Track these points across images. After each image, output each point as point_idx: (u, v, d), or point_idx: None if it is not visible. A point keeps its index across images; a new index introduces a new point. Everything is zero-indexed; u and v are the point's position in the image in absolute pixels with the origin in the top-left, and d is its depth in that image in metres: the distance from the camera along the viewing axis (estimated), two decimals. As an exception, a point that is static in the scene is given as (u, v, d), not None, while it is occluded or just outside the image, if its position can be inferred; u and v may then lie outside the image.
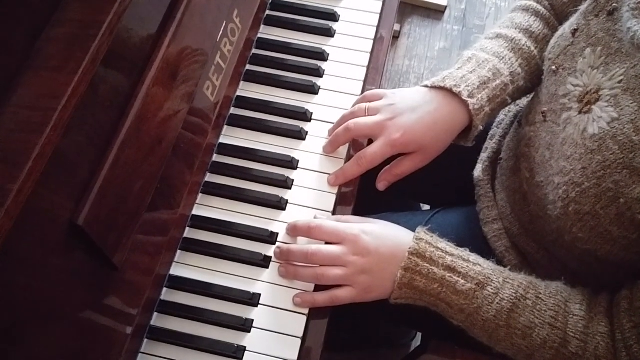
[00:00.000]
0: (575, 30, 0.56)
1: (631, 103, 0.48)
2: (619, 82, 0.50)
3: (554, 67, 0.58)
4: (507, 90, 0.63)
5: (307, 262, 0.58)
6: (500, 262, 0.67)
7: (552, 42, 0.60)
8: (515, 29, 0.66)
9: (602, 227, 0.51)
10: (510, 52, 0.65)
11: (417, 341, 1.14)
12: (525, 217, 0.64)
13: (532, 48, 0.65)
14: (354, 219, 0.62)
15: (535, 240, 0.64)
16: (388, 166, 0.64)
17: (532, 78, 0.66)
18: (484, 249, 0.68)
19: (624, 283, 0.53)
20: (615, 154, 0.48)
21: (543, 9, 0.67)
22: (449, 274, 0.55)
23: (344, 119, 0.65)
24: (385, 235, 0.59)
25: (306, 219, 0.61)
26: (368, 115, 0.63)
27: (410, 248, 0.56)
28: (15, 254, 0.41)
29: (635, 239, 0.49)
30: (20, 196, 0.38)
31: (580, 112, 0.53)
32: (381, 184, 0.64)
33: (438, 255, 0.56)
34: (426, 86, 0.63)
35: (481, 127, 0.63)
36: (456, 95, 0.61)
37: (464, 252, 0.58)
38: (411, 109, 0.61)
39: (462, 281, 0.55)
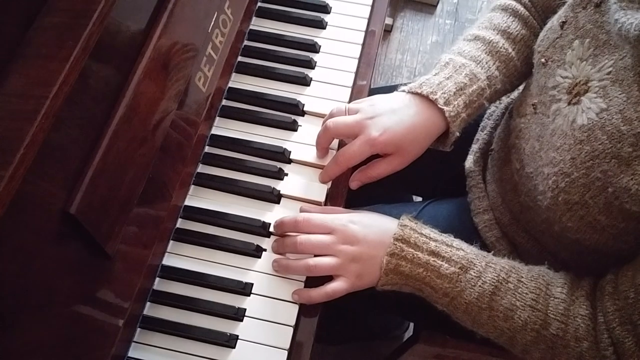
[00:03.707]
0: (564, 23, 0.57)
1: (620, 94, 0.49)
2: (608, 73, 0.50)
3: (543, 60, 0.59)
4: (484, 95, 0.64)
5: (297, 252, 0.58)
6: (490, 252, 0.68)
7: (541, 35, 0.61)
8: (493, 30, 0.67)
9: (591, 216, 0.51)
10: (488, 55, 0.65)
11: (410, 332, 1.15)
12: (516, 207, 0.65)
13: (510, 50, 0.66)
14: (340, 210, 0.62)
15: (526, 230, 0.65)
16: (364, 166, 0.64)
17: (510, 80, 0.67)
18: (474, 240, 0.68)
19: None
20: (603, 144, 0.49)
21: (522, 8, 0.67)
22: (433, 259, 0.56)
23: (325, 122, 0.64)
24: (372, 223, 0.60)
25: (292, 214, 0.61)
26: (348, 115, 0.63)
27: (395, 234, 0.57)
28: (7, 242, 0.41)
29: (623, 227, 0.50)
30: (12, 183, 0.38)
31: (569, 104, 0.54)
32: (354, 183, 0.64)
33: (422, 241, 0.57)
34: (404, 91, 0.63)
35: (458, 133, 0.63)
36: (433, 102, 0.61)
37: (448, 238, 0.59)
38: (391, 110, 0.61)
39: (446, 265, 0.56)
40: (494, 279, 0.55)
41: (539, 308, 0.54)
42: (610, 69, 0.50)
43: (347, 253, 0.57)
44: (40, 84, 0.40)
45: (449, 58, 0.65)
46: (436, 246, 0.57)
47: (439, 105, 0.60)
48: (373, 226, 0.59)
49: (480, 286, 0.55)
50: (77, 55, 0.42)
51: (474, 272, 0.56)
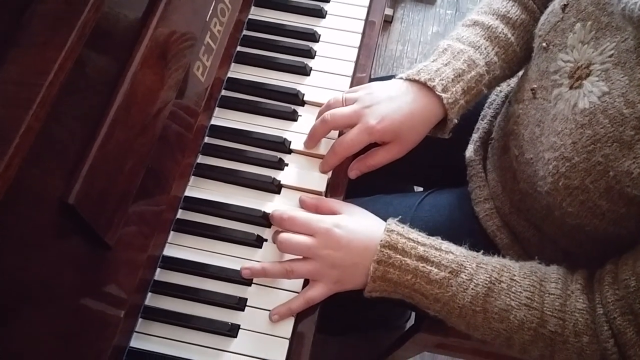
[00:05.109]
0: (565, 6, 0.56)
1: (622, 77, 0.48)
2: (610, 56, 0.50)
3: (544, 44, 0.58)
4: (483, 81, 0.63)
5: (279, 249, 0.58)
6: (491, 241, 0.68)
7: (542, 18, 0.60)
8: (493, 15, 0.66)
9: (591, 201, 0.51)
10: (487, 40, 0.64)
11: (412, 322, 1.15)
12: (516, 195, 0.64)
13: (509, 35, 0.65)
14: (335, 203, 0.61)
15: (526, 219, 0.64)
16: (362, 155, 0.63)
17: (509, 66, 0.66)
18: (475, 229, 0.68)
19: (611, 259, 0.53)
20: (605, 128, 0.48)
21: None
22: (422, 264, 0.55)
23: (321, 112, 0.64)
24: (358, 228, 0.58)
25: (291, 205, 0.61)
26: (345, 105, 0.62)
27: (381, 240, 0.56)
28: (4, 234, 0.41)
29: (624, 212, 0.50)
30: (7, 173, 0.37)
31: (571, 88, 0.53)
32: (352, 173, 0.63)
33: (410, 246, 0.56)
34: (402, 78, 0.63)
35: (456, 120, 0.62)
36: (431, 89, 0.60)
37: (436, 241, 0.57)
38: (389, 98, 0.61)
39: (436, 270, 0.55)
40: (486, 280, 0.54)
41: (535, 306, 0.53)
42: (613, 51, 0.49)
43: (326, 259, 0.56)
44: (35, 72, 0.40)
45: (447, 44, 0.64)
46: (425, 251, 0.56)
47: (436, 92, 0.60)
48: (358, 232, 0.57)
49: (472, 289, 0.54)
50: (73, 43, 0.41)
51: (465, 276, 0.55)
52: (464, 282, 0.54)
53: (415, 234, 0.57)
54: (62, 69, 0.41)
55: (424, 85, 0.61)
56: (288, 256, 0.59)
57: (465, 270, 0.55)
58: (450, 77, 0.61)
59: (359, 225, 0.58)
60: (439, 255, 0.56)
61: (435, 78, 0.60)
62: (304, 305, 0.56)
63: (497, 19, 0.65)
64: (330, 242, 0.56)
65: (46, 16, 0.43)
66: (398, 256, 0.55)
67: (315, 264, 0.56)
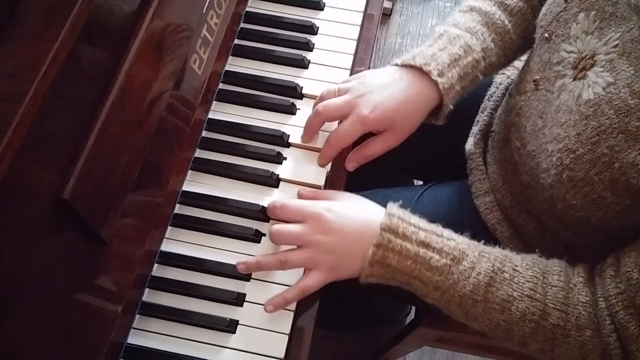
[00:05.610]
0: (568, -5, 0.55)
1: (627, 67, 0.47)
2: (615, 46, 0.49)
3: (546, 35, 0.57)
4: (479, 67, 0.62)
5: (272, 242, 0.57)
6: (492, 235, 0.67)
7: (544, 9, 0.59)
8: (490, 1, 0.65)
9: (596, 193, 0.50)
10: (484, 26, 0.63)
11: (412, 317, 1.15)
12: (517, 187, 0.63)
13: (506, 22, 0.64)
14: (333, 194, 0.60)
15: (527, 211, 0.64)
16: (358, 146, 0.62)
17: (505, 53, 0.65)
18: (475, 223, 0.68)
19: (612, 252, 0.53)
20: (610, 119, 0.48)
21: None
22: (423, 250, 0.53)
23: (316, 104, 0.63)
24: (351, 213, 0.57)
25: (275, 199, 0.60)
26: (338, 96, 0.61)
27: (382, 224, 0.54)
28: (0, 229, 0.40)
29: (628, 204, 0.49)
30: (0, 166, 0.37)
31: (574, 79, 0.52)
32: (350, 165, 0.62)
33: (411, 231, 0.54)
34: (396, 64, 0.62)
35: (451, 107, 0.61)
36: (426, 74, 0.59)
37: (437, 227, 0.56)
38: (382, 86, 0.60)
39: (437, 257, 0.53)
40: (489, 269, 0.53)
41: (538, 298, 0.51)
42: (617, 41, 0.48)
43: (318, 244, 0.55)
44: (28, 65, 0.39)
45: (444, 29, 0.63)
46: (426, 236, 0.54)
47: (432, 77, 0.59)
48: (351, 217, 0.56)
49: (474, 277, 0.53)
50: (66, 35, 0.40)
51: (467, 264, 0.53)
52: (465, 270, 0.53)
53: (416, 219, 0.56)
54: (55, 62, 0.40)
55: (419, 70, 0.60)
56: (285, 248, 0.58)
57: (467, 258, 0.53)
58: (446, 62, 0.60)
59: (352, 210, 0.57)
60: (441, 241, 0.54)
61: (431, 63, 0.59)
62: (299, 294, 0.55)
63: (494, 5, 0.65)
64: (321, 226, 0.55)
65: (39, 8, 0.42)
66: (399, 240, 0.54)
67: (309, 251, 0.55)
